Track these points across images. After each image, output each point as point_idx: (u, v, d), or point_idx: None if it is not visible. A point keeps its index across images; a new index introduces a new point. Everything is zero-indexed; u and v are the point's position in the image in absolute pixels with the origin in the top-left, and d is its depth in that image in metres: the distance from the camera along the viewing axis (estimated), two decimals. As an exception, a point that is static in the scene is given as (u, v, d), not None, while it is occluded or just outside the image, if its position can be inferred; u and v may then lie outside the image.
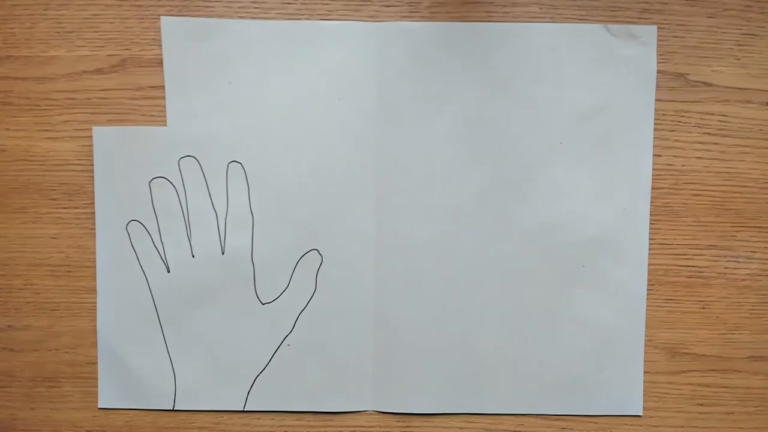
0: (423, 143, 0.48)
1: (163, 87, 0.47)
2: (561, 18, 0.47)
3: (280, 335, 0.49)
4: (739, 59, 0.48)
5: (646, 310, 0.49)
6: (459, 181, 0.48)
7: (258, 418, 0.49)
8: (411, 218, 0.48)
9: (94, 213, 0.48)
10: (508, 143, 0.48)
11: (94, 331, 0.49)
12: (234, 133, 0.47)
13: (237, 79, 0.47)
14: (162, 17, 0.47)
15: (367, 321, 0.48)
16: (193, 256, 0.48)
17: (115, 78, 0.47)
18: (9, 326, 0.49)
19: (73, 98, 0.48)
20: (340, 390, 0.49)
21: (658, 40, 0.47)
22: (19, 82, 0.48)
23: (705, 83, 0.48)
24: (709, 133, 0.48)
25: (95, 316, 0.49)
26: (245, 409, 0.49)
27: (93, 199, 0.48)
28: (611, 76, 0.47)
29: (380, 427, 0.49)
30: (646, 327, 0.49)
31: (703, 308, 0.49)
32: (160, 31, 0.47)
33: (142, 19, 0.47)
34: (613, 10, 0.47)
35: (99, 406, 0.49)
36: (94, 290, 0.49)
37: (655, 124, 0.48)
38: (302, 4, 0.47)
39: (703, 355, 0.49)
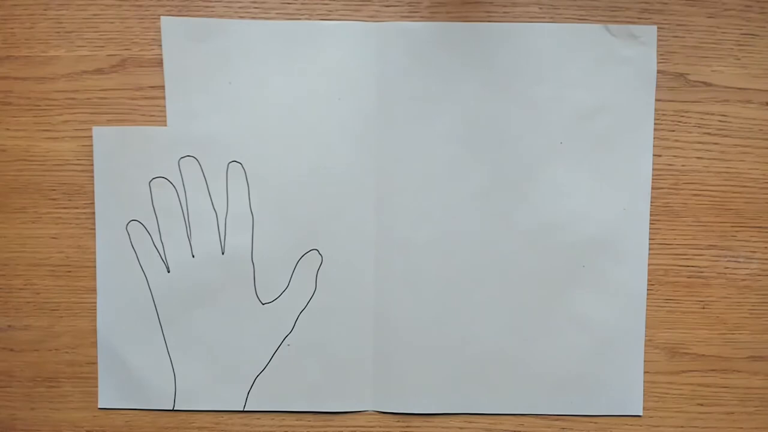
0: (423, 143, 0.48)
1: (163, 87, 0.47)
2: (561, 18, 0.47)
3: (280, 335, 0.49)
4: (739, 59, 0.48)
5: (646, 310, 0.49)
6: (459, 181, 0.48)
7: (258, 418, 0.49)
8: (411, 218, 0.48)
9: (94, 213, 0.48)
10: (508, 143, 0.48)
11: (94, 331, 0.49)
12: (234, 133, 0.47)
13: (237, 79, 0.47)
14: (162, 17, 0.47)
15: (367, 321, 0.48)
16: (193, 256, 0.48)
17: (115, 78, 0.47)
18: (9, 326, 0.49)
19: (73, 98, 0.48)
20: (340, 390, 0.49)
21: (658, 40, 0.47)
22: (19, 82, 0.48)
23: (705, 83, 0.48)
24: (709, 133, 0.48)
25: (95, 316, 0.49)
26: (245, 409, 0.49)
27: (93, 199, 0.48)
28: (611, 76, 0.47)
29: (380, 427, 0.49)
30: (646, 327, 0.49)
31: (703, 308, 0.49)
32: (160, 31, 0.47)
33: (142, 19, 0.47)
34: (613, 10, 0.47)
35: (99, 406, 0.49)
36: (94, 290, 0.49)
37: (655, 124, 0.48)
38: (302, 4, 0.47)
39: (703, 355, 0.49)
